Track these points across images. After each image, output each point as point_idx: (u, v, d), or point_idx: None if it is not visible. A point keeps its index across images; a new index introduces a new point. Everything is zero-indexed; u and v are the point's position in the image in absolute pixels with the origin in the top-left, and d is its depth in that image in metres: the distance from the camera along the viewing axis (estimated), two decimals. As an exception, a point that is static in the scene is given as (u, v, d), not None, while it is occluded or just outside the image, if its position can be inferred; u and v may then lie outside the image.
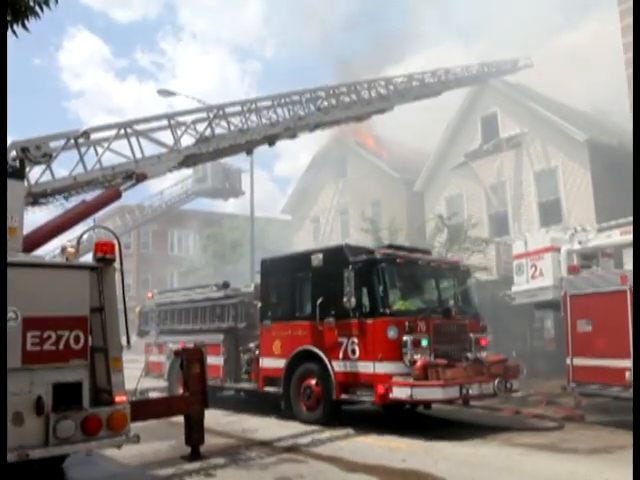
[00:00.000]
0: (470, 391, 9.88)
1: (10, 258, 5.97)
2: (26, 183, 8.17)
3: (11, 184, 6.99)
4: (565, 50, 26.76)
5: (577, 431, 10.19)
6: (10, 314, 5.67)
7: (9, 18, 6.01)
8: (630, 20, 17.41)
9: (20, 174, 7.97)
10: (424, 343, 10.14)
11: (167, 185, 31.36)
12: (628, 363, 9.75)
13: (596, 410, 11.48)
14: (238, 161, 28.63)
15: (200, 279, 30.41)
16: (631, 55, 17.00)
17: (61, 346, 5.92)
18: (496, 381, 10.28)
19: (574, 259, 12.09)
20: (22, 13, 6.15)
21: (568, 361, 11.00)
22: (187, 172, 25.94)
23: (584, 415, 11.24)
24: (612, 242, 11.83)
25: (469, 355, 10.68)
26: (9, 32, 6.18)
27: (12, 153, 8.20)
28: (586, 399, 11.46)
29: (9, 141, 7.69)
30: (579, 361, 10.79)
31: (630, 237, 10.96)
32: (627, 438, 9.20)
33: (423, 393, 9.68)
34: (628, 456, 7.98)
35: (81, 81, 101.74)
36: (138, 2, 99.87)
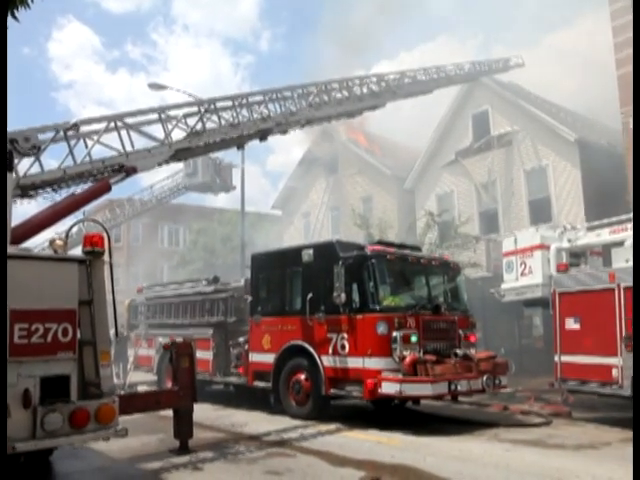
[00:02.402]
0: (459, 387, 9.91)
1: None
2: (14, 175, 8.09)
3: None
4: (557, 50, 26.89)
5: (564, 427, 10.25)
6: (-3, 306, 5.62)
7: (-2, 8, 5.94)
8: (620, 21, 17.52)
9: (8, 166, 7.91)
10: (413, 339, 10.15)
11: (158, 179, 31.20)
12: (615, 360, 9.82)
13: (583, 407, 11.57)
14: (229, 155, 28.53)
15: (190, 273, 30.38)
16: (622, 55, 17.13)
17: (49, 339, 5.87)
18: (485, 377, 10.33)
19: (563, 257, 12.14)
20: (12, 3, 6.08)
21: (556, 358, 11.04)
22: (178, 166, 25.70)
23: (571, 411, 11.32)
24: (601, 240, 11.90)
25: (458, 351, 10.71)
26: None
27: (0, 144, 8.13)
28: (573, 396, 11.54)
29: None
30: (567, 358, 10.84)
31: (619, 236, 11.06)
32: (613, 434, 9.33)
33: (412, 389, 9.70)
34: (614, 452, 8.12)
35: (71, 72, 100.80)
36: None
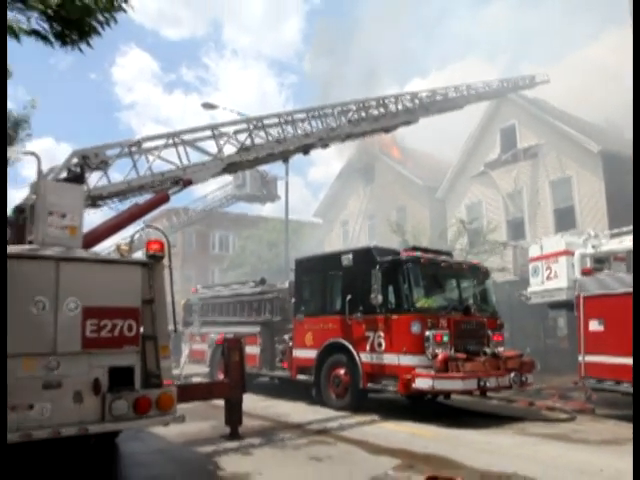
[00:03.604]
0: (487, 383, 9.79)
1: (72, 254, 6.16)
2: (85, 187, 8.36)
3: (73, 187, 7.20)
4: (580, 65, 26.37)
5: (588, 423, 10.02)
6: (71, 304, 5.83)
7: (75, 37, 6.21)
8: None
9: (80, 179, 8.21)
10: (445, 338, 10.10)
11: (210, 190, 31.71)
12: (638, 360, 9.55)
13: (606, 404, 11.27)
14: (275, 168, 28.82)
15: (239, 276, 30.67)
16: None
17: (116, 333, 6.05)
18: (512, 374, 10.19)
19: (587, 262, 11.88)
20: (86, 33, 6.36)
21: (580, 358, 10.82)
22: (228, 178, 26.15)
23: (594, 409, 11.04)
24: (624, 247, 11.59)
25: (487, 350, 10.60)
26: (74, 49, 6.40)
27: (74, 160, 8.43)
28: (596, 393, 11.26)
29: (71, 150, 7.90)
30: (590, 358, 10.61)
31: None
32: (636, 431, 9.03)
33: (444, 384, 9.63)
34: (637, 447, 7.84)
35: (132, 94, 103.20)
36: (188, 21, 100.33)
